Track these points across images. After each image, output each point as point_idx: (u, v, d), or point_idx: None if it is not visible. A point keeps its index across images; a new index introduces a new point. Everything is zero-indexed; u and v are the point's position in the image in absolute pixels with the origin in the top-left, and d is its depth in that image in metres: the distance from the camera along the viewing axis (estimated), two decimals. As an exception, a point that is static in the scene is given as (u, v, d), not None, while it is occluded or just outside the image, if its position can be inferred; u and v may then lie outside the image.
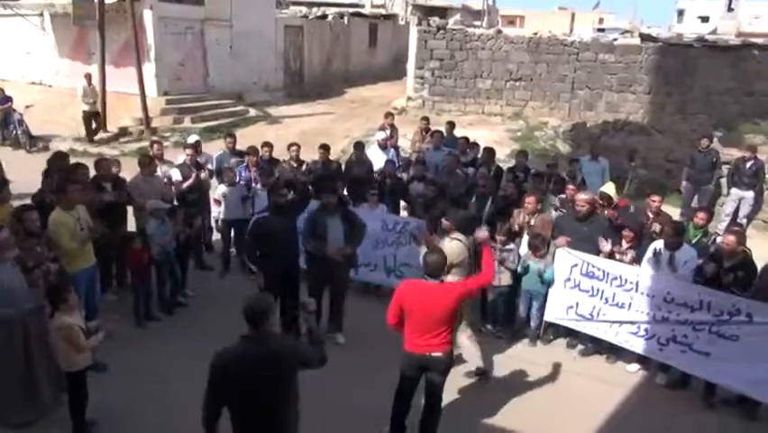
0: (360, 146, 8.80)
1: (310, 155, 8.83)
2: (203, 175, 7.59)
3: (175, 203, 6.89)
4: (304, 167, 8.29)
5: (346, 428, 4.88)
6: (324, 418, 4.95)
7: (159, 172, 7.30)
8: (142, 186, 6.88)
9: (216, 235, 8.16)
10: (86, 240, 5.47)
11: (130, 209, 7.05)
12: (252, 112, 17.09)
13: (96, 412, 4.64)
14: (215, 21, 17.13)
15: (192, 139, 8.54)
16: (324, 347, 3.52)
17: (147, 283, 6.41)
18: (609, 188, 7.14)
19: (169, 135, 14.11)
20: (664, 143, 13.67)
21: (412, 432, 4.62)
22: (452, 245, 5.24)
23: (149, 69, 15.14)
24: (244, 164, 7.89)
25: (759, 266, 5.41)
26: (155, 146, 8.14)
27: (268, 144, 8.34)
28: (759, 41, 17.42)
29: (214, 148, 9.23)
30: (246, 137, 10.31)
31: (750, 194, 9.72)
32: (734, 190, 9.84)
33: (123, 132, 14.47)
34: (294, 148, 8.30)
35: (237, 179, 7.58)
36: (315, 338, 3.52)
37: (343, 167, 8.70)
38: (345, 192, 7.34)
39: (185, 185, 7.31)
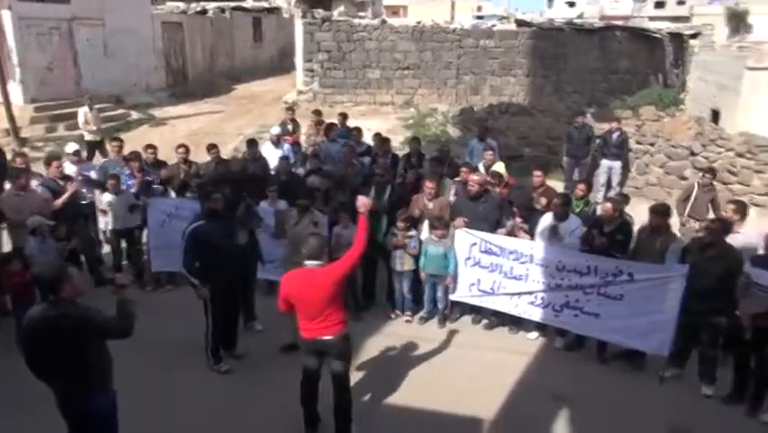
0: (253, 144, 8.60)
1: (202, 156, 8.51)
2: (74, 186, 7.06)
3: (51, 223, 6.32)
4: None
5: (264, 428, 4.80)
6: (239, 417, 4.85)
7: (34, 186, 6.72)
8: (15, 201, 6.30)
9: (106, 248, 7.66)
10: None
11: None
12: (135, 115, 16.17)
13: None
14: (85, 19, 15.96)
15: (71, 148, 7.93)
16: (131, 321, 3.70)
17: (30, 307, 5.87)
18: (500, 167, 7.49)
19: (43, 145, 13.02)
20: (545, 123, 14.48)
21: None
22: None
23: (12, 74, 13.87)
24: (128, 172, 7.48)
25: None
26: (18, 159, 7.51)
27: (151, 147, 7.99)
28: (620, 23, 18.97)
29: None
30: (130, 142, 9.73)
31: (618, 164, 10.47)
32: (603, 161, 10.54)
33: (-12, 144, 13.16)
34: (181, 150, 7.96)
35: (123, 187, 7.17)
36: (125, 311, 3.69)
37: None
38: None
39: (59, 201, 6.72)
